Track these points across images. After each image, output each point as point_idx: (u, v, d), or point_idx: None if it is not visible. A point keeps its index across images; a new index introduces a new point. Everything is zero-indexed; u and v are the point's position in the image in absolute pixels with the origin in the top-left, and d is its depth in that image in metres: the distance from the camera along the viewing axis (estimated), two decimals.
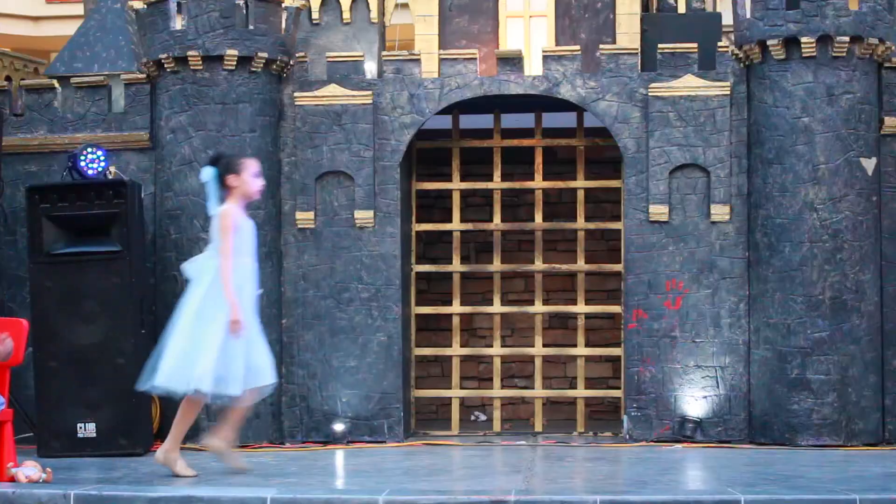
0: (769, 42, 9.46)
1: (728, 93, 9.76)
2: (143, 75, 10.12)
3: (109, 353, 9.09)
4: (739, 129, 9.78)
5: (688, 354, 9.76)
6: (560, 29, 11.30)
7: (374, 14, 11.48)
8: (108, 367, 9.08)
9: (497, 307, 10.62)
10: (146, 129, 10.10)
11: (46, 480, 7.26)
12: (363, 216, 9.93)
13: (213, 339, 7.48)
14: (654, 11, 11.45)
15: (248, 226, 7.74)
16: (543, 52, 10.10)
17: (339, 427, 9.83)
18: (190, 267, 7.77)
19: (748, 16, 9.58)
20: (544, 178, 10.58)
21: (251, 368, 7.64)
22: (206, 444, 8.02)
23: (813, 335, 9.42)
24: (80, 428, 9.04)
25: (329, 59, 10.21)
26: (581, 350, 10.54)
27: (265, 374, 7.76)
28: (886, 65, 9.69)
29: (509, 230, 10.85)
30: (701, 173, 9.79)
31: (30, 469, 7.32)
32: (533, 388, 10.72)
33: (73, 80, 10.37)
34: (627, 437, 9.80)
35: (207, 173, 7.78)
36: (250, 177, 7.71)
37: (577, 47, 10.14)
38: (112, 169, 9.67)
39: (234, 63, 9.68)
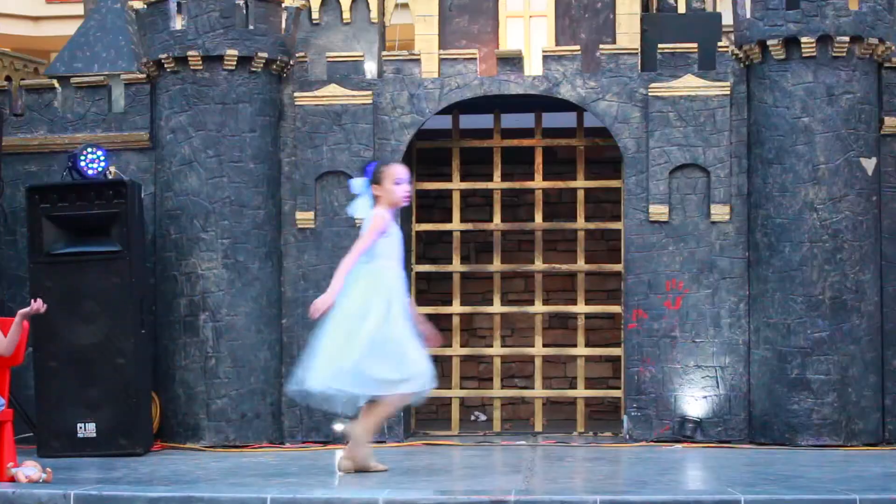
0: (769, 42, 9.46)
1: (728, 93, 9.76)
2: (143, 75, 10.12)
3: (109, 353, 9.10)
4: (739, 129, 9.78)
5: (688, 354, 9.76)
6: (560, 29, 11.31)
7: (374, 14, 11.49)
8: (108, 367, 9.09)
9: (497, 307, 10.61)
10: (146, 129, 10.10)
11: (46, 480, 7.26)
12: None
13: (361, 339, 7.42)
14: (654, 11, 11.45)
15: (396, 232, 7.74)
16: (543, 52, 10.10)
17: (339, 427, 9.83)
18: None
19: (748, 16, 9.58)
20: (544, 178, 10.58)
21: (404, 374, 7.51)
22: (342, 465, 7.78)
23: (813, 335, 9.42)
24: (80, 428, 9.05)
25: (329, 59, 10.21)
26: (581, 350, 10.54)
27: (420, 379, 7.58)
28: (886, 65, 9.69)
29: (509, 230, 10.85)
30: (701, 173, 9.79)
31: (30, 469, 7.31)
32: (533, 388, 10.72)
33: (73, 80, 10.37)
34: (627, 437, 9.80)
35: (359, 185, 7.77)
36: (392, 185, 7.67)
37: (577, 47, 10.14)
38: (112, 169, 9.67)
39: (234, 63, 9.68)
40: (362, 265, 7.58)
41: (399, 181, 7.70)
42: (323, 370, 7.45)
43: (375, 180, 7.70)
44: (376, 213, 7.64)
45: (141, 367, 9.21)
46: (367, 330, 7.44)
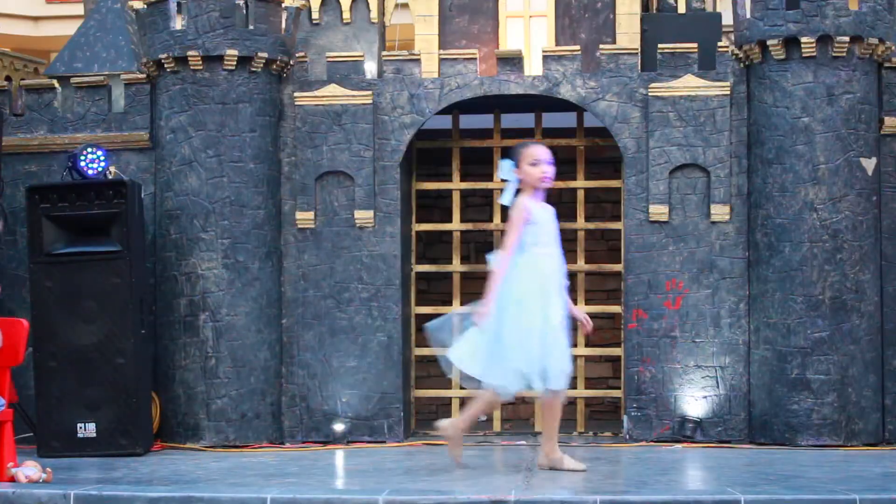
0: (769, 42, 9.46)
1: (728, 93, 9.76)
2: (143, 75, 10.12)
3: (109, 353, 9.09)
4: (739, 129, 9.78)
5: (688, 354, 9.76)
6: (560, 29, 11.31)
7: (374, 14, 11.49)
8: (108, 367, 9.09)
9: None
10: (146, 129, 10.10)
11: (46, 480, 7.26)
12: (363, 216, 9.93)
13: (533, 341, 7.48)
14: (654, 11, 11.45)
15: (546, 215, 7.68)
16: (543, 52, 10.10)
17: (339, 427, 9.84)
18: (494, 259, 7.73)
19: (748, 16, 9.58)
20: None
21: (545, 367, 7.54)
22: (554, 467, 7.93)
23: (813, 335, 9.42)
24: (80, 428, 9.04)
25: (329, 59, 10.21)
26: (581, 350, 10.53)
27: (555, 377, 7.59)
28: (886, 65, 9.69)
29: None
30: (701, 173, 9.79)
31: (30, 469, 7.32)
32: None
33: (73, 80, 10.37)
34: (627, 437, 9.80)
35: (506, 169, 7.71)
36: (528, 166, 7.62)
37: (577, 47, 10.13)
38: (112, 169, 9.67)
39: (234, 63, 9.68)
40: (516, 257, 7.57)
41: (536, 162, 7.63)
42: (509, 371, 7.56)
43: (516, 163, 7.65)
44: (517, 202, 7.58)
45: (141, 367, 9.21)
46: (537, 331, 7.46)
